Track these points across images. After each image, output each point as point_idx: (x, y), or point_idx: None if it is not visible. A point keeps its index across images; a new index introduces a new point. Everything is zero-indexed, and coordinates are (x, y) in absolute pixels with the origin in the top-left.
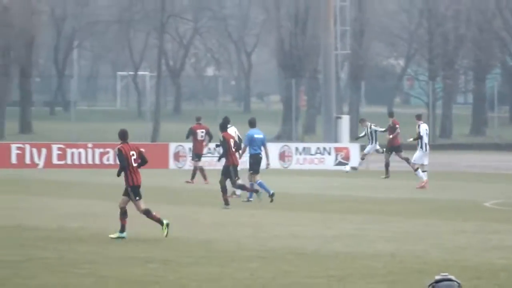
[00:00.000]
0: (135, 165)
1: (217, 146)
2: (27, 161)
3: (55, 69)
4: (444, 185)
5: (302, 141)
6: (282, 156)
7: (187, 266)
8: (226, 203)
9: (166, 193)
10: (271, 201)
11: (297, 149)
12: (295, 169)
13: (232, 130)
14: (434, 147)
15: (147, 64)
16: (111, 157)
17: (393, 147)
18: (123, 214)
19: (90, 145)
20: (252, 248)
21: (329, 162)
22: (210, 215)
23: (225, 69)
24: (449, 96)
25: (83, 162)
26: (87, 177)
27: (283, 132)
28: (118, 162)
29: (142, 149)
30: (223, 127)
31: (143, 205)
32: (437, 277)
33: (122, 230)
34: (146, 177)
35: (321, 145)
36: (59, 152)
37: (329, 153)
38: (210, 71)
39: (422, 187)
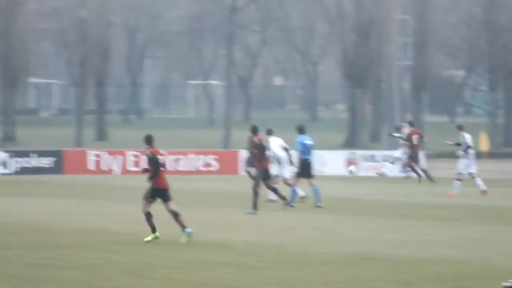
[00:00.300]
0: (163, 169)
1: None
2: (104, 167)
3: (129, 79)
4: (508, 192)
5: (368, 148)
6: (348, 163)
7: (261, 270)
8: (255, 207)
9: (237, 198)
10: (300, 202)
11: (363, 156)
12: (361, 176)
13: (276, 140)
14: (497, 155)
15: (217, 74)
16: (184, 164)
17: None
18: (149, 216)
19: (164, 152)
20: (323, 252)
21: (393, 169)
22: (280, 219)
23: (292, 78)
24: (511, 105)
25: None
26: None
27: (349, 140)
28: (143, 165)
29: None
30: (254, 133)
31: (149, 208)
32: (505, 284)
33: (182, 226)
34: (218, 183)
35: (386, 152)
36: (134, 159)
37: (392, 161)
38: (278, 81)
39: (454, 195)
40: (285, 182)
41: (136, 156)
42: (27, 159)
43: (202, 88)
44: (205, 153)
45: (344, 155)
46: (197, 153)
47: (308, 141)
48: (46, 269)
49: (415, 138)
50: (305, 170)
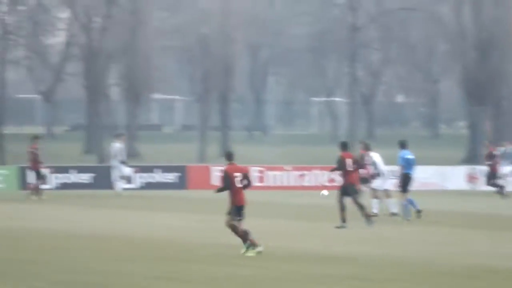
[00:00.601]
0: (239, 185)
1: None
2: None
3: (253, 95)
4: None
5: None
6: (470, 178)
7: (384, 282)
8: (343, 220)
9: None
10: (418, 217)
11: (483, 171)
12: (482, 191)
13: (376, 155)
14: None
15: (340, 91)
16: (308, 179)
17: None
18: (238, 231)
19: (287, 167)
20: (445, 264)
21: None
22: (398, 232)
23: (414, 96)
24: None
25: (281, 183)
26: (285, 198)
27: (470, 156)
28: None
29: (247, 172)
30: (343, 148)
31: (242, 225)
32: None
33: (252, 245)
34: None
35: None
36: (259, 174)
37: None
38: (400, 98)
39: None
40: (386, 195)
41: (260, 171)
42: (151, 174)
43: (326, 105)
44: (330, 169)
45: (465, 171)
46: (321, 168)
47: (409, 156)
48: (173, 283)
49: None
50: (404, 184)
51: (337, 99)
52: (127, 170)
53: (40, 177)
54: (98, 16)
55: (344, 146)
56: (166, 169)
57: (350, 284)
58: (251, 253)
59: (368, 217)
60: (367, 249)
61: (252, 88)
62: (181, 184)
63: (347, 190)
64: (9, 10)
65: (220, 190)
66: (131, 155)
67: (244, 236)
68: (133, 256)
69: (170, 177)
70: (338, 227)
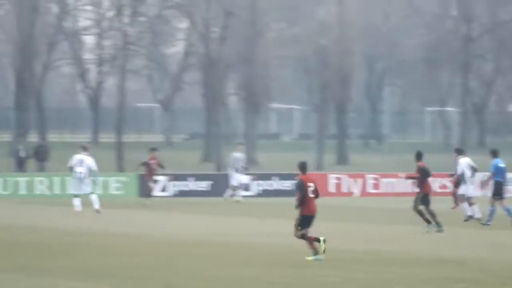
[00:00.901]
0: (311, 196)
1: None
2: (344, 190)
3: (368, 105)
4: None
5: None
6: None
7: (496, 285)
8: (428, 222)
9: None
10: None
11: None
12: None
13: (465, 160)
14: None
15: (453, 101)
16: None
17: None
18: (306, 238)
19: (401, 174)
20: None
21: None
22: (505, 237)
23: None
24: None
25: (396, 190)
26: (398, 204)
27: None
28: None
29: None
30: (418, 158)
31: (302, 233)
32: None
33: (315, 251)
34: (451, 203)
35: None
36: (374, 182)
37: None
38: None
39: None
40: (468, 201)
41: (375, 179)
42: (269, 181)
43: (439, 115)
44: (442, 176)
45: None
46: (433, 176)
47: (501, 164)
48: (287, 287)
49: None
50: (497, 191)
51: (449, 108)
52: (244, 178)
53: (152, 187)
54: (217, 27)
55: (419, 156)
56: (284, 176)
57: (458, 287)
58: (312, 258)
59: (438, 224)
60: (476, 252)
61: (368, 98)
62: None
63: (424, 199)
64: (130, 21)
65: (300, 203)
66: (249, 163)
67: (309, 240)
68: (248, 261)
69: (287, 184)
70: (437, 231)
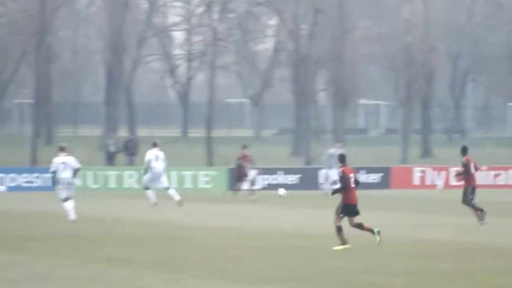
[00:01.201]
0: (353, 185)
1: None
2: (428, 182)
3: (452, 101)
4: None
5: None
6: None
7: None
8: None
9: None
10: None
11: None
12: None
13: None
14: None
15: None
16: (503, 178)
17: None
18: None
19: (484, 167)
20: None
21: None
22: None
23: None
24: None
25: (478, 183)
26: (480, 196)
27: None
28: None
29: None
30: (463, 153)
31: (340, 222)
32: None
33: (343, 242)
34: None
35: None
36: None
37: None
38: None
39: None
40: None
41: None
42: (356, 174)
43: None
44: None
45: None
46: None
47: None
48: (370, 276)
49: None
50: None
51: None
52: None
53: (244, 180)
54: (306, 24)
55: (464, 150)
56: (370, 170)
57: None
58: (340, 247)
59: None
60: None
61: (452, 93)
62: (384, 184)
63: (470, 192)
64: (220, 17)
65: (337, 191)
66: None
67: (364, 229)
68: (331, 253)
69: (374, 177)
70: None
